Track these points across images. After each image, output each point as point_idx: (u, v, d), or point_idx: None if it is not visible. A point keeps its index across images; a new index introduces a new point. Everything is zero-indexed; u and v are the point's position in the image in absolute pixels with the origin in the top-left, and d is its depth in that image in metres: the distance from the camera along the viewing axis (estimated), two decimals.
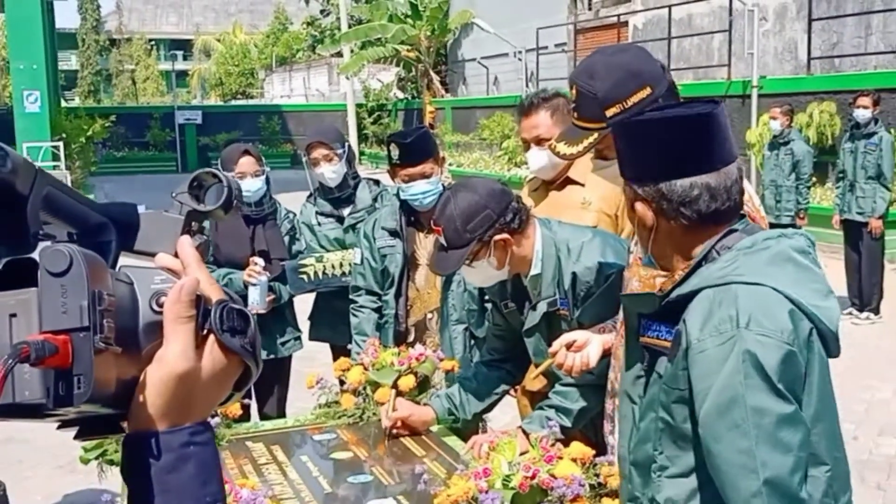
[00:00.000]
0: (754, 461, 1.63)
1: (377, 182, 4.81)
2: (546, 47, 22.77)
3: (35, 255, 0.77)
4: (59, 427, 0.82)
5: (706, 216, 1.81)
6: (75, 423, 0.82)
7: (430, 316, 3.96)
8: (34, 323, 0.74)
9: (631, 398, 1.99)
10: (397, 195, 3.97)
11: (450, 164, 24.75)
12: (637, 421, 1.95)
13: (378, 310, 4.05)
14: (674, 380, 1.79)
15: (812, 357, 1.71)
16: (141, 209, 0.95)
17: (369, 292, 4.05)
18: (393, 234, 3.98)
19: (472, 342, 3.86)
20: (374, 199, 4.62)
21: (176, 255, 0.90)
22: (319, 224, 4.65)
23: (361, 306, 4.08)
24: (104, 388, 0.77)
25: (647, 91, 2.33)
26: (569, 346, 2.66)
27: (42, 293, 0.74)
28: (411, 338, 3.91)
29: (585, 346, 2.66)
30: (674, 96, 2.36)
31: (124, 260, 0.93)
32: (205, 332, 0.85)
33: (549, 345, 2.76)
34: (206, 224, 1.00)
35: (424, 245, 3.94)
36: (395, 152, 3.84)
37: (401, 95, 33.09)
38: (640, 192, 1.86)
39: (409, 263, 3.97)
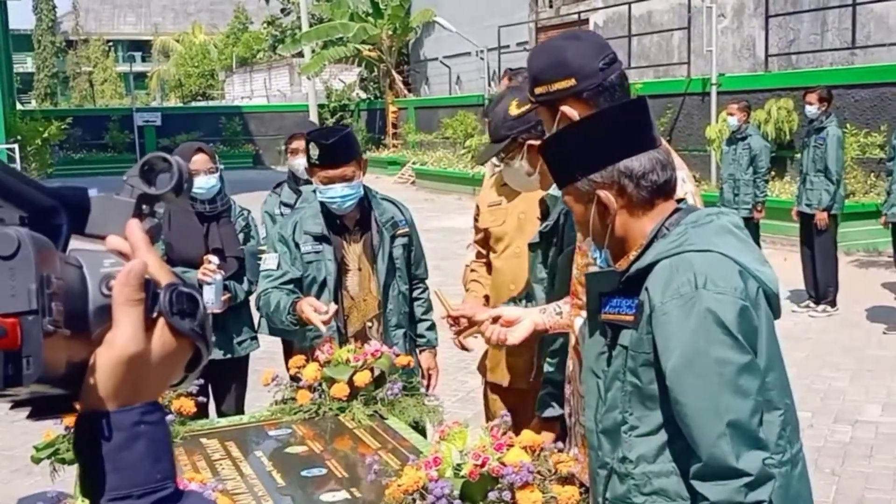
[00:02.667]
0: (718, 406, 1.81)
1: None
2: (508, 46, 22.83)
3: None
4: (11, 408, 0.83)
5: (660, 186, 2.00)
6: (28, 404, 0.83)
7: (369, 324, 3.83)
8: None
9: (595, 373, 2.11)
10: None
11: (414, 163, 24.81)
12: (603, 393, 2.08)
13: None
14: (639, 345, 1.95)
15: (760, 313, 1.90)
16: (92, 192, 0.95)
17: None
18: (319, 238, 3.77)
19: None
20: None
21: (125, 238, 0.91)
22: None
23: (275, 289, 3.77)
24: (54, 369, 0.78)
25: (571, 82, 2.40)
26: (495, 320, 2.80)
27: None
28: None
29: (515, 322, 2.79)
30: (608, 95, 2.40)
31: (74, 243, 0.93)
32: (154, 314, 0.86)
33: (546, 266, 3.02)
34: (160, 208, 1.00)
35: (352, 250, 3.81)
36: (314, 152, 3.66)
37: (363, 95, 33.03)
38: (599, 179, 2.00)
39: (340, 270, 3.79)
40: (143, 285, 0.85)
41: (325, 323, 3.46)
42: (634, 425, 2.00)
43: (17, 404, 0.82)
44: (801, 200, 8.92)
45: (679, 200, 2.09)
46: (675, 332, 1.87)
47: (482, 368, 3.81)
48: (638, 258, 1.98)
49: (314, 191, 3.81)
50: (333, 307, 3.53)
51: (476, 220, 3.78)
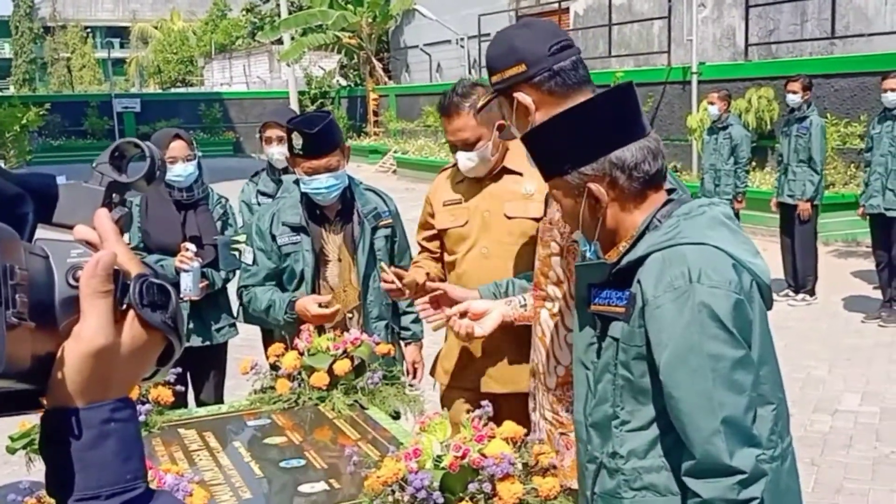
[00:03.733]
0: (712, 402, 1.78)
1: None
2: (488, 34, 22.71)
3: None
4: None
5: (652, 176, 1.97)
6: None
7: (349, 315, 3.77)
8: None
9: (584, 364, 2.10)
10: (298, 186, 3.72)
11: (395, 151, 24.74)
12: (592, 385, 2.06)
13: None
14: (631, 338, 1.93)
15: (754, 306, 1.88)
16: (61, 180, 0.92)
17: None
18: (296, 229, 3.69)
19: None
20: None
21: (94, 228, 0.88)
22: (259, 203, 4.64)
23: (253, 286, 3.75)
24: (18, 363, 0.75)
25: (522, 68, 2.41)
26: (463, 314, 2.79)
27: None
28: None
29: (483, 315, 2.79)
30: (559, 80, 2.39)
31: (41, 233, 0.90)
32: (124, 306, 0.84)
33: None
34: (133, 197, 0.96)
35: (333, 240, 3.74)
36: (297, 141, 3.53)
37: (343, 83, 32.90)
38: (590, 172, 1.96)
39: (319, 261, 3.72)
40: (112, 276, 0.83)
41: (329, 317, 3.43)
42: (626, 420, 1.99)
43: None
44: (783, 191, 8.92)
45: (670, 191, 2.07)
46: (669, 326, 1.84)
47: (439, 373, 3.52)
48: (629, 250, 1.96)
49: (296, 181, 3.71)
50: (336, 306, 3.50)
51: (431, 217, 3.53)
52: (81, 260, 0.83)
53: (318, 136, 3.50)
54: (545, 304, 2.66)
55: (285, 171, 4.65)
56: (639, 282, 1.90)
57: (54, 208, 0.90)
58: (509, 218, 3.25)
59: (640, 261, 1.92)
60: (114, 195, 0.93)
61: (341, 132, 3.73)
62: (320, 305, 3.51)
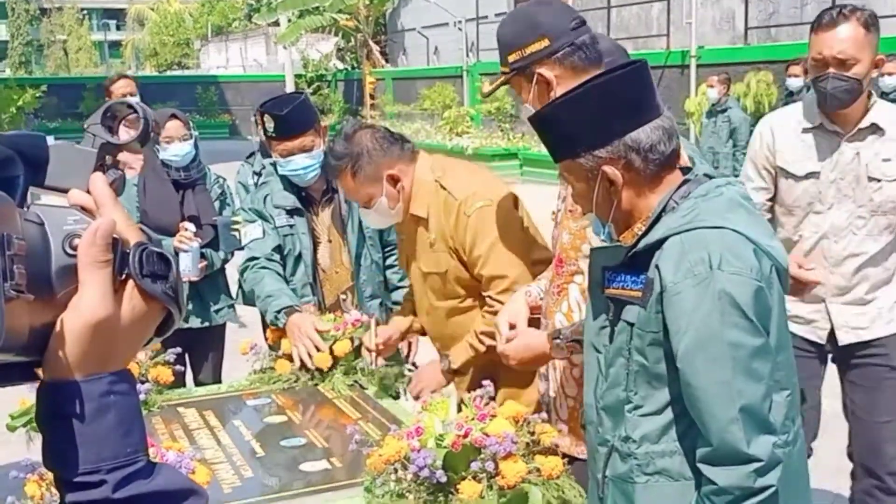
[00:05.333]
0: (731, 391, 1.76)
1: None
2: (486, 17, 22.75)
3: None
4: None
5: (668, 156, 1.92)
6: None
7: (343, 297, 3.76)
8: None
9: (596, 348, 2.06)
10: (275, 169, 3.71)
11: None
12: (605, 368, 2.03)
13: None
14: (647, 323, 1.89)
15: (773, 292, 1.85)
16: (50, 140, 0.89)
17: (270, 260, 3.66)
18: (291, 212, 3.68)
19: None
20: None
21: (88, 192, 0.85)
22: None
23: (263, 266, 3.65)
24: (17, 336, 0.74)
25: (545, 43, 2.41)
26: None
27: None
28: None
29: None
30: (581, 55, 2.41)
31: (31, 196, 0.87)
32: (123, 276, 0.81)
33: None
34: (131, 178, 0.93)
35: (321, 221, 3.72)
36: (269, 124, 3.53)
37: (340, 66, 32.82)
38: (604, 155, 1.90)
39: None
40: (111, 245, 0.80)
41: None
42: (639, 404, 1.96)
43: None
44: None
45: (686, 170, 2.01)
46: (689, 312, 1.80)
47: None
48: (645, 233, 1.91)
49: (273, 164, 3.70)
50: (325, 348, 3.34)
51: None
52: (78, 227, 0.80)
53: (287, 117, 3.51)
54: (573, 279, 2.64)
55: None
56: (657, 267, 1.86)
57: (45, 170, 0.87)
58: (425, 273, 3.17)
59: (658, 244, 1.87)
60: (106, 157, 0.91)
61: (315, 112, 3.71)
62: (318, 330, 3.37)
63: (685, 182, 1.95)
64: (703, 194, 1.90)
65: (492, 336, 2.80)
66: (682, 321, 1.81)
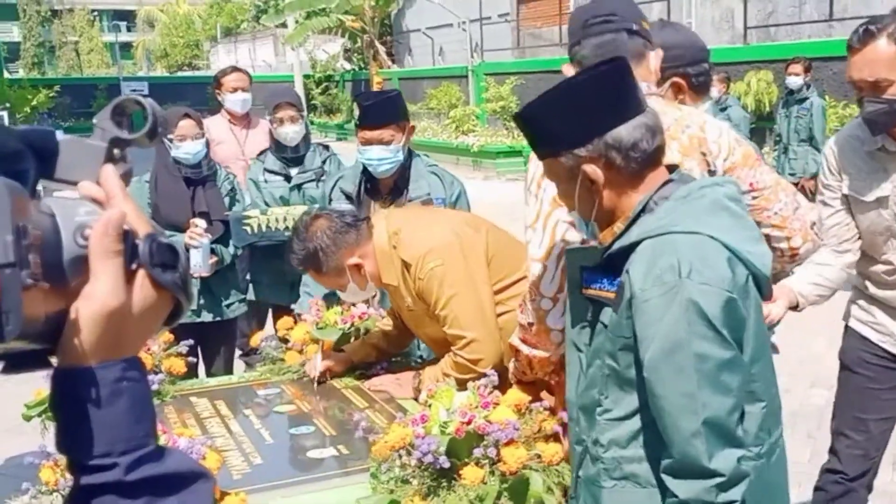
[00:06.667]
0: (696, 403, 1.71)
1: (326, 147, 4.91)
2: (489, 17, 22.77)
3: None
4: None
5: (651, 154, 1.86)
6: (1, 359, 0.81)
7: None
8: None
9: (577, 347, 2.04)
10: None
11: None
12: (584, 368, 2.00)
13: None
14: (618, 328, 1.85)
15: (749, 302, 1.79)
16: (60, 135, 0.90)
17: None
18: (349, 197, 3.85)
19: None
20: (323, 162, 4.71)
21: (99, 184, 0.87)
22: (266, 181, 4.70)
23: None
24: (33, 324, 0.76)
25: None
26: None
27: None
28: None
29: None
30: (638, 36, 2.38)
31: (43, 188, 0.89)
32: (134, 266, 0.84)
33: None
34: (143, 174, 0.95)
35: None
36: (357, 112, 3.77)
37: (348, 66, 32.86)
38: (584, 154, 1.86)
39: None
40: (122, 236, 0.82)
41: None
42: (608, 408, 1.93)
43: None
44: (784, 170, 8.99)
45: (672, 168, 1.96)
46: (655, 321, 1.75)
47: None
48: (621, 234, 1.87)
49: (358, 150, 3.86)
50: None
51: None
52: (90, 218, 0.82)
53: (369, 108, 3.73)
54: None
55: (296, 149, 4.72)
56: (627, 272, 1.81)
57: (55, 164, 0.87)
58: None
59: (633, 247, 1.82)
60: (115, 151, 0.91)
61: (399, 110, 3.83)
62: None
63: (669, 182, 1.89)
64: (684, 195, 1.85)
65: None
66: (650, 330, 1.77)
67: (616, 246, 1.86)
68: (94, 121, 0.92)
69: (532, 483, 2.40)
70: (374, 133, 3.68)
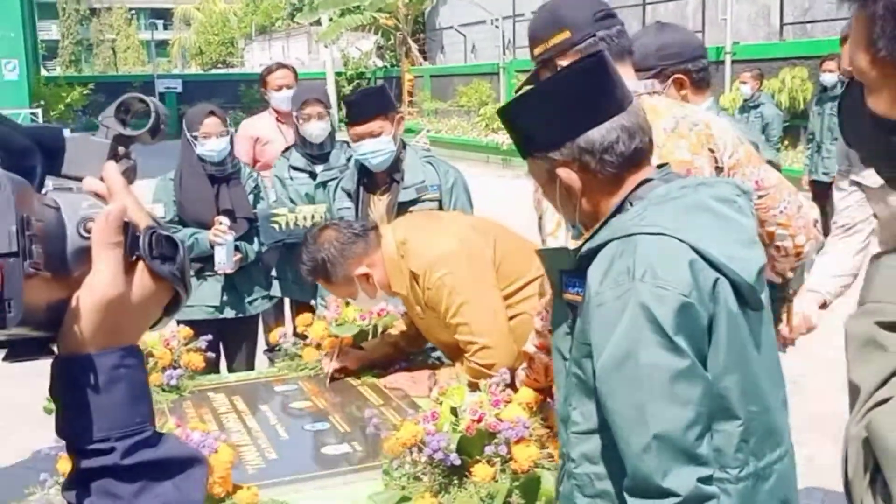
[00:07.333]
0: (645, 415, 1.59)
1: (349, 144, 4.90)
2: (523, 14, 22.70)
3: None
4: None
5: (629, 157, 1.77)
6: (4, 346, 0.83)
7: None
8: None
9: (562, 354, 1.92)
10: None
11: (428, 131, 24.78)
12: (566, 377, 1.89)
13: None
14: (582, 334, 1.75)
15: (718, 309, 1.65)
16: (66, 132, 0.95)
17: None
18: (349, 195, 3.91)
19: None
20: (348, 160, 4.71)
21: (102, 180, 0.90)
22: (291, 178, 4.71)
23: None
24: (34, 312, 0.78)
25: (566, 35, 2.39)
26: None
27: None
28: None
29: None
30: (604, 46, 2.34)
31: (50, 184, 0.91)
32: (133, 258, 0.87)
33: None
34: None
35: (377, 208, 3.85)
36: (345, 111, 3.80)
37: (380, 64, 32.94)
38: (558, 157, 1.79)
39: None
40: (123, 228, 0.86)
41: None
42: (576, 420, 1.81)
43: None
44: (818, 168, 8.90)
45: (661, 166, 1.87)
46: (607, 327, 1.64)
47: None
48: (591, 236, 1.76)
49: (352, 148, 3.92)
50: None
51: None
52: (92, 212, 0.85)
53: (354, 103, 3.77)
54: None
55: (322, 146, 4.74)
56: (588, 274, 1.72)
57: (62, 160, 0.91)
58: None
59: (601, 248, 1.72)
60: (119, 148, 0.95)
61: (386, 100, 3.88)
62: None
63: (648, 181, 1.79)
64: (662, 195, 1.74)
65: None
66: (602, 336, 1.66)
67: (585, 248, 1.75)
68: (99, 119, 0.97)
69: (543, 482, 2.40)
70: (362, 128, 3.72)
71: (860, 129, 1.18)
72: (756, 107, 9.58)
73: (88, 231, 0.84)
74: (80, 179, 0.90)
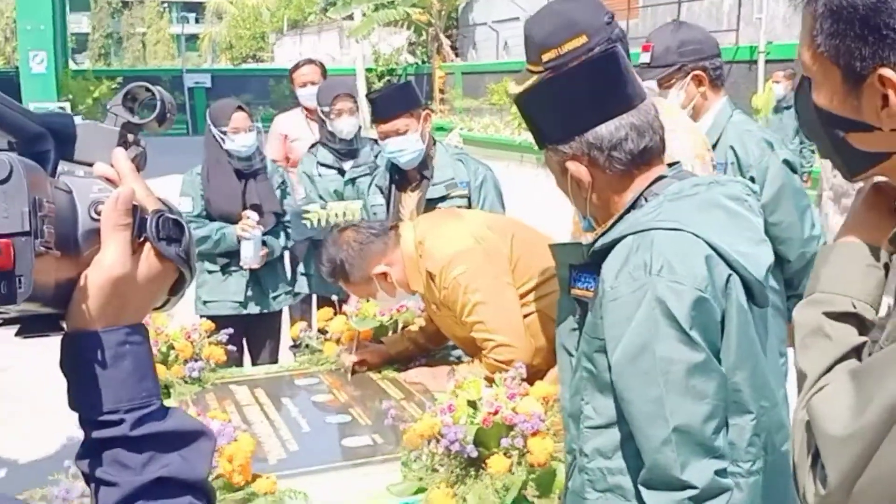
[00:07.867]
0: (663, 409, 1.61)
1: (377, 141, 4.92)
2: None
3: None
4: (0, 325, 0.88)
5: (637, 155, 1.78)
6: (17, 322, 0.88)
7: None
8: None
9: (568, 350, 1.95)
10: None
11: (460, 129, 24.76)
12: (573, 373, 1.91)
13: None
14: (594, 329, 1.77)
15: (730, 304, 1.67)
16: (77, 120, 0.99)
17: None
18: (382, 191, 3.93)
19: None
20: (376, 157, 4.73)
21: (112, 166, 0.95)
22: (320, 175, 4.73)
23: None
24: (44, 288, 0.83)
25: (583, 40, 2.39)
26: None
27: None
28: None
29: None
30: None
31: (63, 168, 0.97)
32: (141, 239, 0.91)
33: None
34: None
35: (407, 204, 3.88)
36: (370, 108, 3.80)
37: (411, 60, 32.94)
38: (567, 151, 1.81)
39: None
40: (131, 211, 0.90)
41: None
42: (589, 415, 1.82)
43: (6, 322, 0.87)
44: None
45: (672, 164, 1.88)
46: (623, 321, 1.66)
47: None
48: (606, 231, 1.78)
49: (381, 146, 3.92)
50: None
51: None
52: (102, 195, 0.90)
53: (378, 101, 3.76)
54: None
55: (350, 142, 4.77)
56: (602, 268, 1.73)
57: (73, 146, 0.96)
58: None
59: (616, 243, 1.73)
60: (128, 135, 1.00)
61: (412, 97, 3.84)
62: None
63: (662, 178, 1.81)
64: (676, 192, 1.76)
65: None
66: (617, 330, 1.67)
67: (599, 243, 1.77)
68: (108, 106, 1.01)
69: (559, 474, 2.41)
70: (387, 126, 3.70)
71: (812, 122, 1.23)
72: (789, 107, 9.52)
73: (99, 213, 0.89)
74: (90, 165, 0.95)
